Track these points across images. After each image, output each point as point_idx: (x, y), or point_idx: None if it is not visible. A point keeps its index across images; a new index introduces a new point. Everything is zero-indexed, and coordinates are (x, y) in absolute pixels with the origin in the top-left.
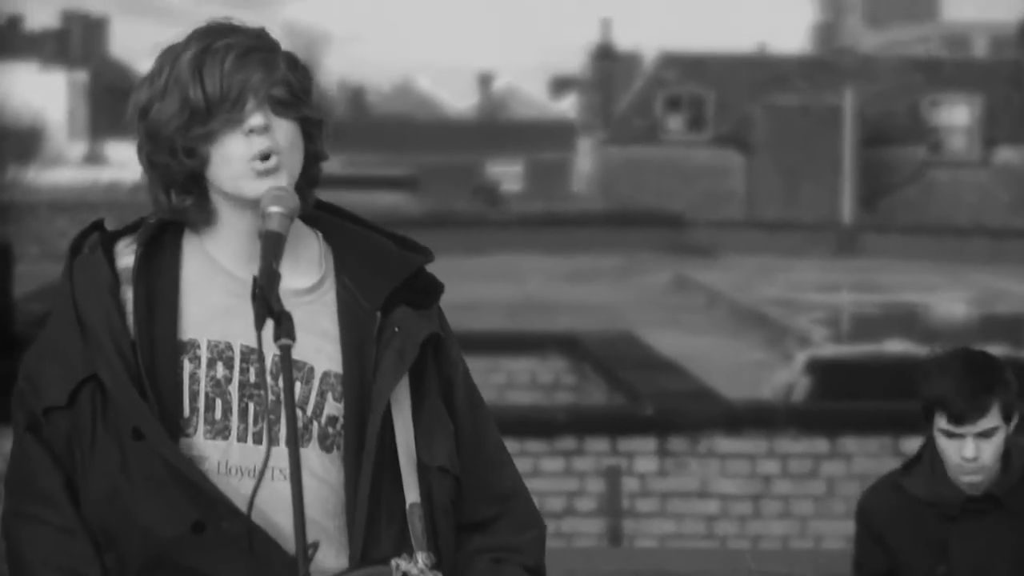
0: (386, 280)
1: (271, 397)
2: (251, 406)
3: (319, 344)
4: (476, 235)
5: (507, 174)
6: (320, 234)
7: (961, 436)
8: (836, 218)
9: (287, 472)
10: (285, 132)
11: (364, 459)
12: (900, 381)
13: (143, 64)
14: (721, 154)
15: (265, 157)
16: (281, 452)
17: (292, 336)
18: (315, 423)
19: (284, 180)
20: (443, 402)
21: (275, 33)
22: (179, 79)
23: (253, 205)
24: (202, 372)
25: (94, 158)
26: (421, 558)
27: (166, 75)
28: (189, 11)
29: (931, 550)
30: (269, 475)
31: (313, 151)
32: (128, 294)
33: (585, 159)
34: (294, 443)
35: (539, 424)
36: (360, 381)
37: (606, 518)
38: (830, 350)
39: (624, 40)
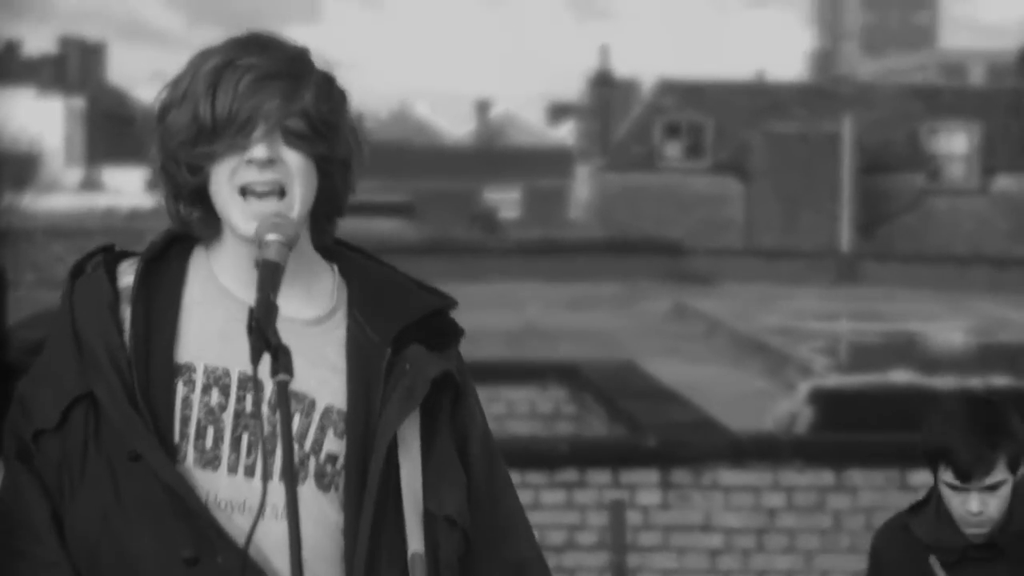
0: (399, 315)
1: (267, 428)
2: (245, 436)
3: (324, 377)
4: (474, 262)
5: (505, 201)
6: (336, 267)
7: (966, 490)
8: (835, 246)
9: (280, 510)
10: (296, 164)
11: (365, 499)
12: (905, 412)
13: (140, 90)
14: (719, 181)
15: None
16: (275, 487)
17: (290, 371)
18: (312, 459)
19: (293, 211)
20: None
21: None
22: (195, 91)
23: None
24: (196, 397)
25: (91, 184)
26: None
27: (187, 82)
28: (186, 38)
29: None
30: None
31: (330, 186)
32: (127, 312)
33: (583, 186)
34: (290, 479)
35: (540, 455)
36: (365, 418)
37: (609, 553)
38: (833, 380)
39: (622, 67)
